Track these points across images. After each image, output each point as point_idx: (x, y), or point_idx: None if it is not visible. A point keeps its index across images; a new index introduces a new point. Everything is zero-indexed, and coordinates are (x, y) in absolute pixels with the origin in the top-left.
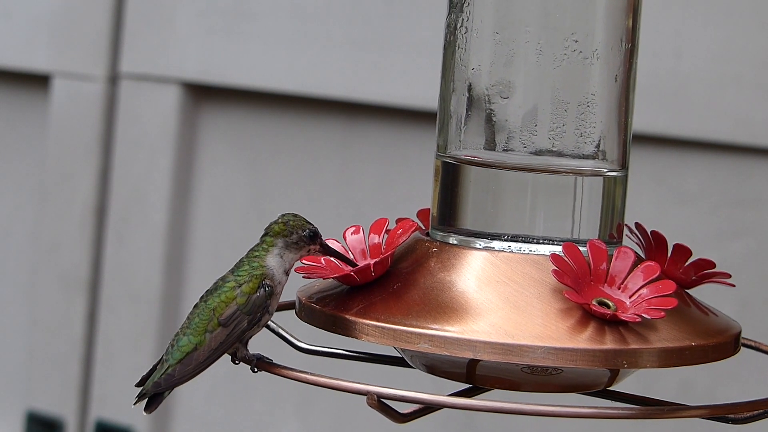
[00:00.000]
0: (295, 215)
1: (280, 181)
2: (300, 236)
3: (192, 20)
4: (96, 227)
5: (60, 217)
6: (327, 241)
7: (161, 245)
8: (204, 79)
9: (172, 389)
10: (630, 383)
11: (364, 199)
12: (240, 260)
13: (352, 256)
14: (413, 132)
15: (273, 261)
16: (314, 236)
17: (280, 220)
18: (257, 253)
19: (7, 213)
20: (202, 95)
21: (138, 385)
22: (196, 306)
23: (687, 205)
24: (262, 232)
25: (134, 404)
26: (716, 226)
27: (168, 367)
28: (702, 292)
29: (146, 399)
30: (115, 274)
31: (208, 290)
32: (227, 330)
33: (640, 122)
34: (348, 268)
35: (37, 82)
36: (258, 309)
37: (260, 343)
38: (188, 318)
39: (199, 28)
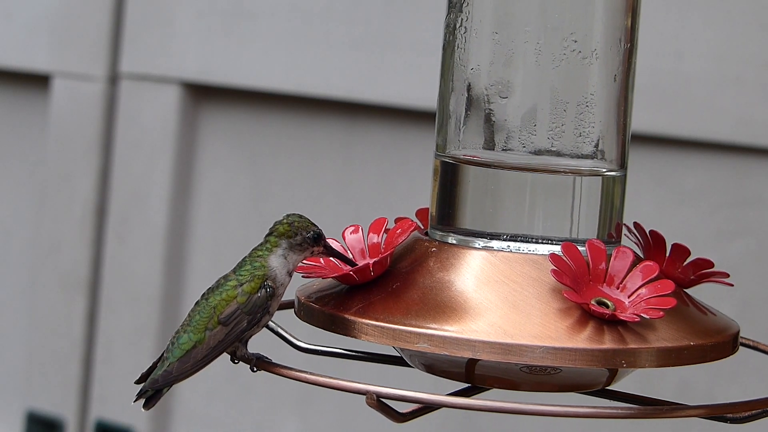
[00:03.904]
0: (300, 216)
1: (280, 181)
2: (304, 238)
3: (192, 20)
4: (96, 227)
5: (60, 217)
6: (328, 241)
7: (161, 245)
8: (204, 79)
9: (171, 386)
10: (629, 383)
11: (364, 199)
12: (243, 259)
13: (351, 256)
14: (413, 132)
15: (276, 262)
16: (318, 238)
17: (285, 221)
18: (260, 253)
19: (7, 213)
20: (202, 95)
21: (138, 382)
22: (197, 303)
23: (687, 205)
24: (267, 232)
25: (134, 401)
26: (716, 226)
27: (168, 365)
28: (702, 292)
29: (145, 396)
30: (115, 274)
31: (210, 288)
32: (227, 329)
33: (640, 122)
34: (347, 268)
35: (37, 82)
36: (258, 309)
37: (260, 343)
38: (189, 315)
39: (199, 28)
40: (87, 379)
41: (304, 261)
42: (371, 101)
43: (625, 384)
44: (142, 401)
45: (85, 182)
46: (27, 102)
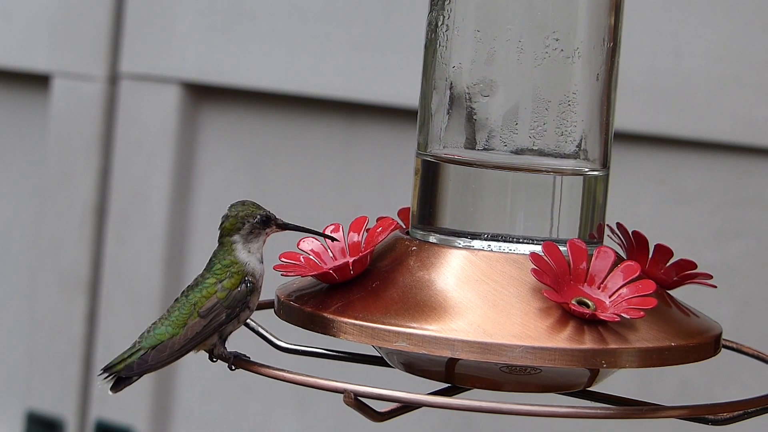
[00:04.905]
0: (243, 203)
1: (280, 181)
2: (253, 225)
3: (192, 20)
4: (96, 227)
5: (60, 217)
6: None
7: (161, 245)
8: (204, 79)
9: (142, 375)
10: (627, 382)
11: (364, 199)
12: (210, 260)
13: (331, 255)
14: (413, 132)
15: (243, 257)
16: (267, 220)
17: (229, 214)
18: (223, 255)
19: (7, 213)
20: (202, 95)
21: (106, 368)
22: (176, 300)
23: (687, 205)
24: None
25: (99, 376)
26: (716, 226)
27: (140, 350)
28: (700, 293)
29: (114, 379)
30: (115, 274)
31: (189, 285)
32: (205, 321)
33: (640, 122)
34: (327, 266)
35: (37, 82)
36: (238, 304)
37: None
38: (168, 311)
39: (199, 28)
40: (87, 379)
41: (283, 259)
42: (371, 101)
43: (623, 384)
44: (109, 384)
45: (85, 182)
46: (27, 102)
